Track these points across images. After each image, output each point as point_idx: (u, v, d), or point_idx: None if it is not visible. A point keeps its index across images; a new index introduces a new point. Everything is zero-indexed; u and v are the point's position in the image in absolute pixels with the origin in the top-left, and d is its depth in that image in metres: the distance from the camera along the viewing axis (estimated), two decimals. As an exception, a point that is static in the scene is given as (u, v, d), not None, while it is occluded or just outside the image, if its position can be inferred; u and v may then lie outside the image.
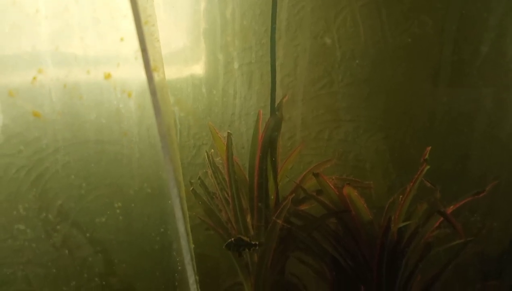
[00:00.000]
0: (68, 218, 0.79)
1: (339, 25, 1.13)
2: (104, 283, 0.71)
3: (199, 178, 1.01)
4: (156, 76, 0.45)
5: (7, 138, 0.84)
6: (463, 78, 1.13)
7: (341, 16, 1.13)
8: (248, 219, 0.93)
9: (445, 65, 1.14)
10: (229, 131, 0.93)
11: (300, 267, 0.93)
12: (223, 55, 1.17)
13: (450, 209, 0.81)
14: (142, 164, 0.76)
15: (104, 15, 0.53)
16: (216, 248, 0.98)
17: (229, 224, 0.95)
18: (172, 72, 1.18)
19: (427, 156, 0.81)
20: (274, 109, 0.96)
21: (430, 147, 0.83)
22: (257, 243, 0.86)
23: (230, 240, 0.85)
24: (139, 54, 0.41)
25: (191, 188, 0.97)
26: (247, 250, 0.87)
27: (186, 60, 1.18)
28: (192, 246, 0.61)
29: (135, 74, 0.49)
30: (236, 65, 1.17)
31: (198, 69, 1.19)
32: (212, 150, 1.00)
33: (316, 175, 0.85)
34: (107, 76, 0.56)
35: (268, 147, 0.92)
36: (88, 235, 0.75)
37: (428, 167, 0.79)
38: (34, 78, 0.58)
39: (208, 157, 0.98)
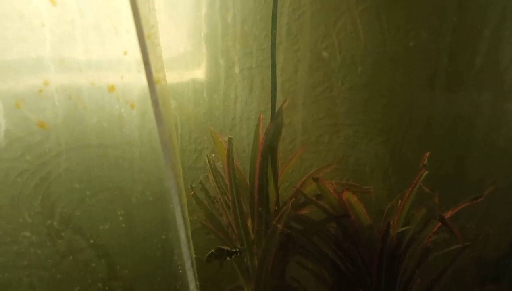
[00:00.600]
0: (70, 222, 0.80)
1: (339, 30, 1.14)
2: (107, 288, 0.72)
3: (200, 182, 1.02)
4: (158, 87, 0.46)
5: (10, 142, 0.85)
6: (462, 83, 1.14)
7: (341, 21, 1.14)
8: (249, 223, 0.94)
9: (444, 70, 1.14)
10: (230, 136, 0.94)
11: (300, 271, 0.94)
12: (224, 60, 1.18)
13: (448, 214, 0.81)
14: (144, 168, 0.76)
15: (108, 29, 0.54)
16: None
17: (229, 228, 0.96)
18: (174, 76, 1.19)
19: (425, 161, 0.82)
20: (275, 114, 0.97)
21: (428, 153, 0.83)
22: (237, 249, 0.87)
23: (210, 252, 0.85)
24: (142, 67, 0.42)
25: (192, 193, 0.98)
26: (228, 258, 0.88)
27: (187, 64, 1.19)
28: (193, 251, 0.61)
29: (138, 84, 0.50)
30: (237, 70, 1.18)
31: (199, 73, 1.20)
32: (213, 154, 1.01)
33: (316, 180, 0.86)
34: (111, 88, 0.57)
35: (268, 152, 0.93)
36: (91, 241, 0.76)
37: (426, 172, 0.80)
38: (41, 90, 0.59)
39: (209, 161, 0.99)
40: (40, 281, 0.77)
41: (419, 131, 1.17)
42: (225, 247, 0.86)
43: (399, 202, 0.82)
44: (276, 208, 0.94)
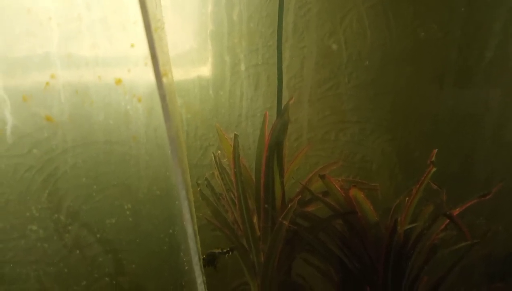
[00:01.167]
0: (78, 217, 0.80)
1: (346, 27, 1.14)
2: (114, 282, 0.72)
3: (206, 179, 1.02)
4: (165, 81, 0.46)
5: (17, 139, 0.85)
6: (470, 80, 1.13)
7: (347, 18, 1.13)
8: (255, 220, 0.94)
9: (452, 67, 1.14)
10: (236, 133, 0.94)
11: (307, 268, 0.94)
12: (230, 57, 1.18)
13: (456, 211, 0.81)
14: (151, 164, 0.77)
15: (115, 22, 0.54)
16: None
17: (235, 225, 0.96)
18: (179, 74, 1.19)
19: (433, 158, 0.81)
20: (281, 110, 0.96)
21: (436, 149, 0.83)
22: (228, 249, 0.88)
23: (202, 257, 0.86)
24: (149, 60, 0.42)
25: (198, 189, 0.98)
26: (227, 255, 0.89)
27: (193, 61, 1.19)
28: (199, 247, 0.61)
29: (145, 79, 0.50)
30: (242, 67, 1.17)
31: (205, 71, 1.20)
32: (219, 151, 1.01)
33: (322, 177, 0.85)
34: (118, 81, 0.57)
35: (274, 148, 0.92)
36: (98, 235, 0.76)
37: (434, 169, 0.80)
38: (47, 83, 0.60)
39: (215, 158, 0.99)
40: (46, 276, 0.77)
41: (426, 129, 1.17)
42: (216, 250, 0.87)
43: (407, 198, 0.81)
44: (282, 204, 0.94)
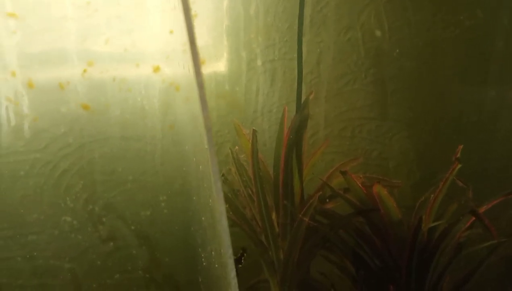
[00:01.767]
0: (114, 209, 0.79)
1: (363, 22, 1.12)
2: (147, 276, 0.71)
3: (223, 175, 1.01)
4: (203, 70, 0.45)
5: (34, 134, 0.85)
6: (492, 77, 1.11)
7: (365, 12, 1.12)
8: (273, 216, 0.93)
9: (473, 63, 1.12)
10: (254, 128, 0.93)
11: (327, 265, 0.93)
12: (246, 52, 1.16)
13: (482, 209, 0.79)
14: (189, 155, 0.75)
15: (153, 6, 0.52)
16: (241, 245, 0.98)
17: (253, 221, 0.95)
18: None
19: (459, 155, 0.79)
20: (300, 105, 0.95)
21: (462, 145, 0.81)
22: (240, 253, 0.88)
23: None
24: (188, 47, 0.41)
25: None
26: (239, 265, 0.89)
27: (209, 57, 1.18)
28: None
29: (183, 66, 0.49)
30: (259, 62, 1.16)
31: (221, 66, 1.19)
32: (237, 147, 1.00)
33: (343, 173, 0.84)
34: (156, 69, 0.56)
35: (293, 144, 0.91)
36: (133, 227, 0.75)
37: (459, 165, 0.78)
38: (85, 70, 0.59)
39: (232, 154, 0.98)
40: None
41: (445, 125, 1.15)
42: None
43: (431, 196, 0.80)
44: (301, 201, 0.92)
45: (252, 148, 0.92)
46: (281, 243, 0.91)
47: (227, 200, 0.97)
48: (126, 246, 0.78)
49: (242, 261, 0.92)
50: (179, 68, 0.51)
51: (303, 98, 0.99)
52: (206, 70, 1.19)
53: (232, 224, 0.96)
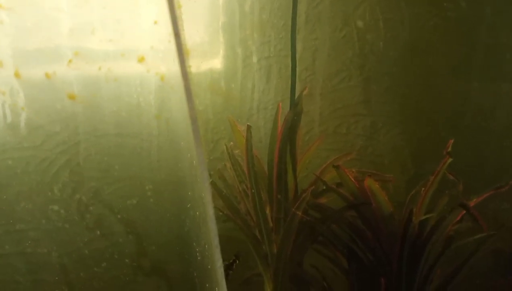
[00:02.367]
0: (104, 204, 0.80)
1: (358, 19, 1.13)
2: (134, 264, 0.72)
3: (218, 171, 1.02)
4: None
5: (30, 131, 0.85)
6: (485, 73, 1.11)
7: (360, 9, 1.12)
8: (267, 210, 0.94)
9: (467, 60, 1.12)
10: (248, 124, 0.93)
11: (319, 259, 0.94)
12: (242, 49, 1.17)
13: (472, 202, 0.80)
14: (173, 145, 0.76)
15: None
16: (235, 240, 0.99)
17: (248, 216, 0.96)
18: (191, 67, 1.19)
19: (450, 149, 0.80)
20: (294, 102, 0.96)
21: (452, 140, 0.82)
22: (233, 259, 0.89)
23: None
24: (172, 38, 0.42)
25: (210, 180, 0.98)
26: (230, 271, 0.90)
27: (204, 54, 1.19)
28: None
29: (168, 57, 0.50)
30: (254, 59, 1.17)
31: (217, 63, 1.19)
32: (231, 143, 1.01)
33: (336, 167, 0.85)
34: (141, 59, 0.57)
35: (287, 139, 0.92)
36: (119, 216, 0.76)
37: (450, 159, 0.79)
38: (70, 60, 0.60)
39: (227, 150, 0.99)
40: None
41: (439, 122, 1.16)
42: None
43: (422, 189, 0.81)
44: (295, 195, 0.93)
45: (247, 143, 0.93)
46: (275, 237, 0.92)
47: (221, 195, 0.98)
48: (116, 241, 0.79)
49: (233, 267, 0.94)
50: (164, 60, 0.52)
51: (297, 94, 1.00)
52: (201, 67, 1.20)
53: (226, 219, 0.97)
